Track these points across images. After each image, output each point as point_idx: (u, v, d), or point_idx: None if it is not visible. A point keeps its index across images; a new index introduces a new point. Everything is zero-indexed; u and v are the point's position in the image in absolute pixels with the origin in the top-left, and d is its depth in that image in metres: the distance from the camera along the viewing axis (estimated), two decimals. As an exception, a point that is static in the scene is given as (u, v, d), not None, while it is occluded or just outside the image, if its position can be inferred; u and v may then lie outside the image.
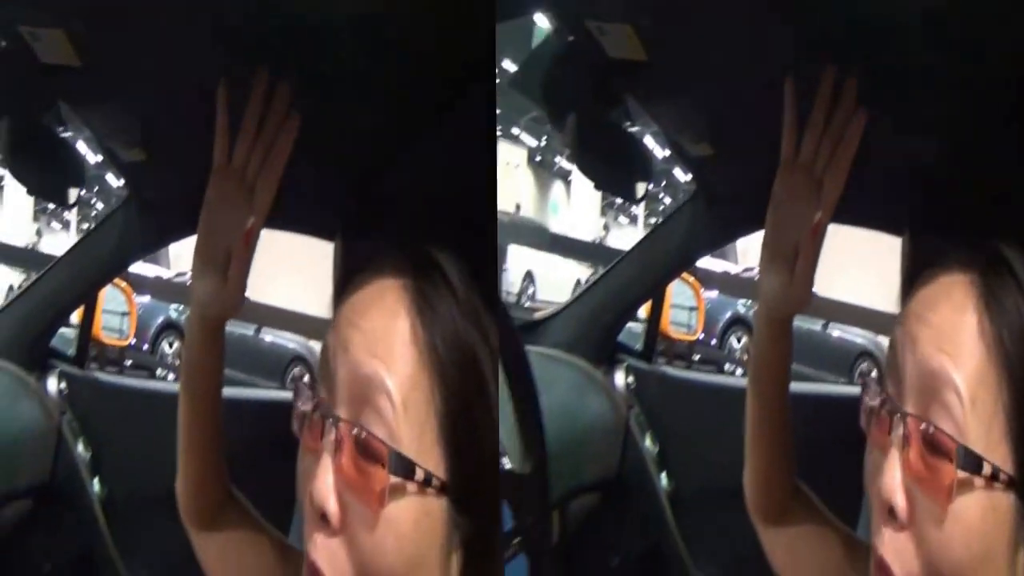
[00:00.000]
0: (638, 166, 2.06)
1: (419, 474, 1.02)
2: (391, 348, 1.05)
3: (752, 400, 1.40)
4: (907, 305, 1.12)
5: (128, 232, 2.14)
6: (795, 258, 1.32)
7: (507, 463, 1.74)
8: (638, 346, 2.34)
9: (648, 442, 2.23)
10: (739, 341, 2.58)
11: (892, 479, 1.08)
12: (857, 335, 2.47)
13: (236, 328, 2.42)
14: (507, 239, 2.23)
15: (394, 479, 1.01)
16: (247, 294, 1.33)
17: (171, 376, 2.52)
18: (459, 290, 1.09)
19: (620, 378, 2.26)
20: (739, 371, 2.55)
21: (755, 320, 1.36)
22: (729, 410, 2.09)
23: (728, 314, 2.60)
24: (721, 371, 2.60)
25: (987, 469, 1.02)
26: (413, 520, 1.03)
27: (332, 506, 1.02)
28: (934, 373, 1.07)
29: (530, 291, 2.30)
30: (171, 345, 2.63)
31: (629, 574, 2.20)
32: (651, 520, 2.20)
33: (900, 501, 1.07)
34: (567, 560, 2.16)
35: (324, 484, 1.03)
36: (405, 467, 1.02)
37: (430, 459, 1.03)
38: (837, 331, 2.52)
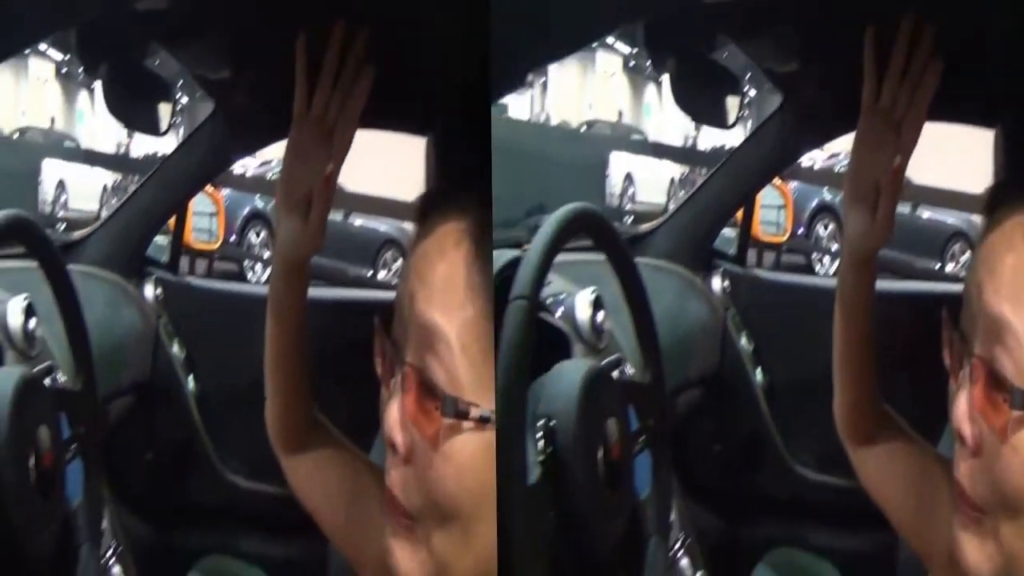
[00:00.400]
0: (729, 93, 2.20)
1: (474, 413, 1.17)
2: (451, 299, 1.20)
3: (839, 330, 1.55)
4: (978, 249, 1.27)
5: (216, 143, 2.28)
6: (876, 198, 1.47)
7: (630, 372, 1.93)
8: (732, 251, 2.44)
9: (744, 341, 2.37)
10: (826, 228, 2.69)
11: (961, 410, 1.25)
12: (949, 215, 2.44)
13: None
14: (610, 147, 2.36)
15: (449, 420, 1.16)
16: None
17: (259, 267, 2.53)
18: None
19: (717, 283, 2.39)
20: (826, 259, 2.66)
21: (840, 258, 1.52)
22: (816, 308, 2.26)
23: (814, 202, 2.69)
24: (808, 260, 2.72)
25: None
26: (470, 454, 1.19)
27: (399, 439, 1.18)
28: (996, 318, 1.22)
29: (630, 192, 2.43)
30: (258, 235, 2.63)
31: (729, 460, 2.31)
32: (748, 412, 2.33)
33: (967, 431, 1.23)
34: (675, 449, 2.28)
35: (392, 419, 1.20)
36: (460, 410, 1.16)
37: (487, 398, 1.19)
38: (928, 212, 2.53)
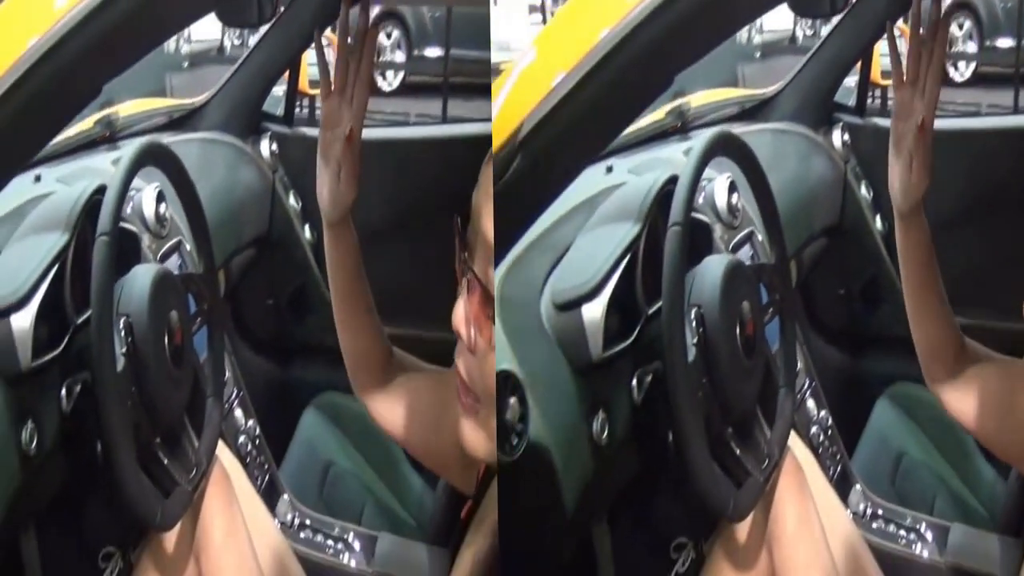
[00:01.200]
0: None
1: None
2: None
3: (905, 283, 1.73)
4: None
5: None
6: (911, 157, 1.66)
7: (762, 256, 2.15)
8: (852, 102, 2.50)
9: (863, 190, 2.46)
10: (961, 28, 2.73)
11: None
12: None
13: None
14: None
15: None
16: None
17: (389, 73, 2.48)
18: None
19: (837, 137, 2.49)
20: (961, 64, 2.57)
21: (894, 217, 1.70)
22: (934, 153, 2.34)
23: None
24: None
25: None
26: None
27: (463, 332, 1.40)
28: None
29: (758, 24, 2.46)
30: (389, 36, 2.80)
31: (852, 301, 2.45)
32: (868, 257, 2.43)
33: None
34: (805, 295, 2.44)
35: (459, 314, 1.41)
36: None
37: None
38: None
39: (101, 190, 2.08)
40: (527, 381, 2.03)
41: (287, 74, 2.52)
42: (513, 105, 1.93)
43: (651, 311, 2.15)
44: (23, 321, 2.01)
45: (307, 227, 2.50)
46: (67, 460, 2.05)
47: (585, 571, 2.20)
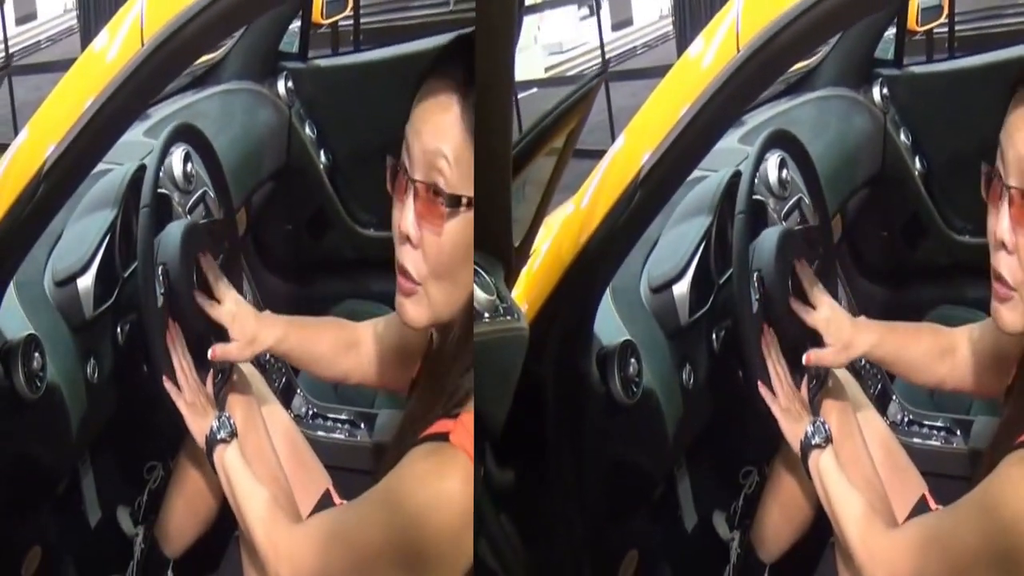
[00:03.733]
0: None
1: (464, 200, 1.69)
2: (446, 130, 1.70)
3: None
4: (1011, 108, 1.73)
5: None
6: None
7: (809, 218, 2.44)
8: (890, 55, 2.71)
9: (903, 136, 2.67)
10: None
11: (1002, 225, 1.76)
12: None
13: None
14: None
15: (449, 209, 1.67)
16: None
17: None
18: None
19: (876, 91, 2.68)
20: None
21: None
22: (965, 89, 2.64)
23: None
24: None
25: None
26: (458, 230, 1.65)
27: (414, 231, 1.68)
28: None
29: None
30: None
31: (896, 241, 2.70)
32: (908, 197, 2.67)
33: (1008, 237, 1.75)
34: (849, 241, 2.69)
35: (407, 220, 1.69)
36: (455, 201, 1.67)
37: (469, 189, 1.67)
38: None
39: (141, 168, 2.39)
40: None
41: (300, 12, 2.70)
42: (606, 184, 2.21)
43: (722, 280, 2.45)
44: (86, 282, 2.37)
45: (322, 152, 2.73)
46: (120, 389, 2.41)
47: (671, 498, 2.53)
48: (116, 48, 2.10)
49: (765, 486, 2.48)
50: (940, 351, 2.21)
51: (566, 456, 2.34)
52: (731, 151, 2.49)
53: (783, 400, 2.22)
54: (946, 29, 2.72)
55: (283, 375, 2.63)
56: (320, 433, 2.59)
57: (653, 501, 2.48)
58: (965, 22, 2.77)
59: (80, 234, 2.42)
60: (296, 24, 2.74)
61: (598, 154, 2.30)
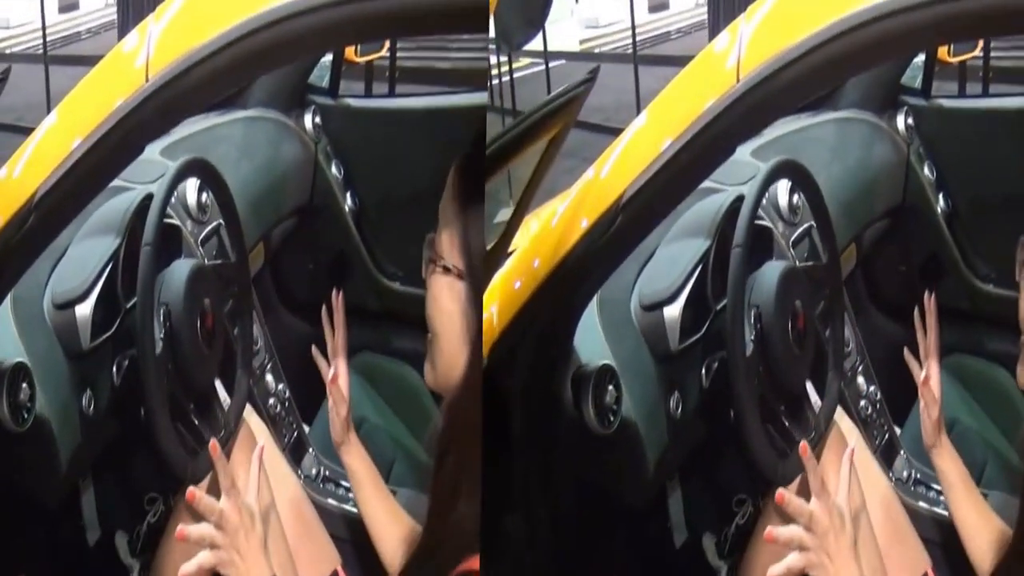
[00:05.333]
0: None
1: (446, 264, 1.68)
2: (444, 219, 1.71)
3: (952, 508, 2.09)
4: None
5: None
6: None
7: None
8: (918, 83, 2.55)
9: (926, 170, 2.53)
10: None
11: None
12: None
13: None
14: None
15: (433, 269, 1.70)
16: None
17: None
18: None
19: (901, 120, 2.54)
20: None
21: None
22: (996, 129, 2.47)
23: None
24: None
25: None
26: (439, 289, 1.69)
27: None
28: None
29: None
30: None
31: (914, 279, 2.54)
32: (929, 234, 2.52)
33: None
34: (865, 275, 2.56)
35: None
36: (432, 259, 1.69)
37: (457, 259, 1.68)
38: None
39: (149, 197, 2.29)
40: (620, 369, 2.27)
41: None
42: (623, 163, 2.07)
43: (718, 307, 2.32)
44: (84, 310, 2.27)
45: (348, 194, 2.61)
46: (118, 421, 2.30)
47: (662, 519, 2.41)
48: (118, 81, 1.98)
49: (757, 523, 2.35)
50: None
51: (533, 480, 2.24)
52: (743, 165, 2.35)
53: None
54: (980, 61, 2.57)
55: (294, 429, 2.51)
56: (331, 501, 2.45)
57: (637, 519, 2.37)
58: (1003, 50, 2.61)
59: (83, 257, 2.33)
60: (328, 57, 2.64)
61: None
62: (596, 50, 8.68)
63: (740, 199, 2.30)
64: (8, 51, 8.56)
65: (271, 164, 2.59)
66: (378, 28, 1.96)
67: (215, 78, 1.95)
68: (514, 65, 7.37)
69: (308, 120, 2.65)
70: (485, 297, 2.05)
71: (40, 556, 2.30)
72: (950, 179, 2.54)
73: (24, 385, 2.20)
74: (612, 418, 2.25)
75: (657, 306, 2.32)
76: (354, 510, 2.34)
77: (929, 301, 2.14)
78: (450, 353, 1.72)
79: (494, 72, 7.54)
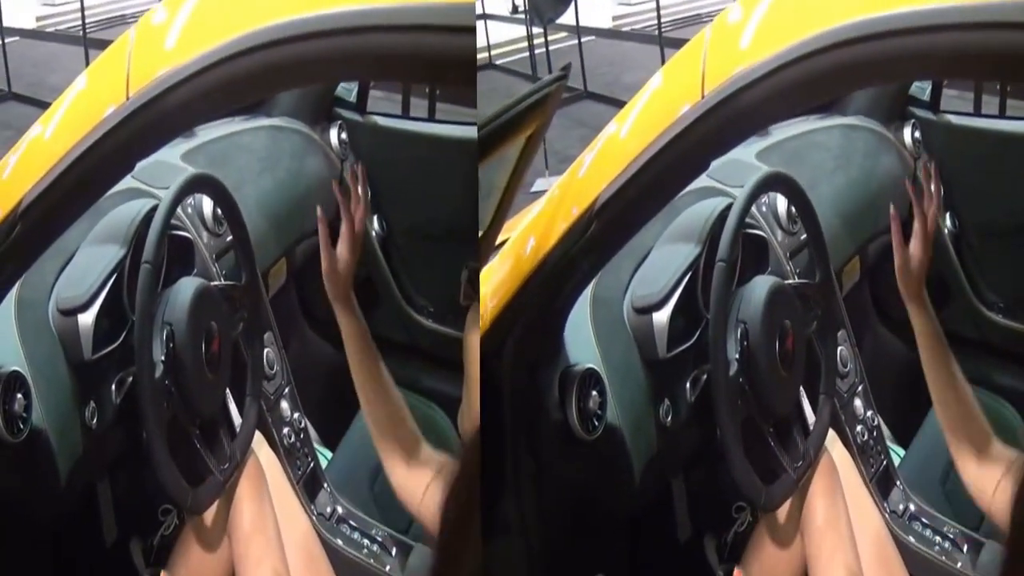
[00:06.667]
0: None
1: None
2: None
3: (925, 369, 1.83)
4: None
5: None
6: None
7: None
8: (926, 96, 2.48)
9: (933, 187, 2.42)
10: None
11: None
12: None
13: None
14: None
15: None
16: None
17: None
18: None
19: (908, 133, 2.48)
20: None
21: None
22: (1008, 151, 2.36)
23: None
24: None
25: None
26: None
27: None
28: None
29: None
30: None
31: None
32: (936, 255, 2.26)
33: None
34: (872, 285, 2.48)
35: None
36: None
37: None
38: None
39: (155, 208, 2.20)
40: (607, 372, 2.18)
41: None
42: (641, 122, 1.92)
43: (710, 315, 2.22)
44: (87, 319, 2.18)
45: (375, 218, 2.51)
46: (125, 433, 2.22)
47: (667, 517, 2.34)
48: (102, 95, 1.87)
49: (750, 539, 2.28)
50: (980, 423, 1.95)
51: (523, 476, 2.16)
52: (745, 166, 2.29)
53: None
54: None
55: (309, 462, 2.38)
56: (340, 543, 2.31)
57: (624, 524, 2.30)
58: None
59: (89, 263, 2.24)
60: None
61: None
62: (626, 28, 8.67)
63: (729, 208, 2.22)
64: (51, 30, 8.54)
65: (295, 179, 2.51)
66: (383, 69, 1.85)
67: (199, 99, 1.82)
68: (549, 38, 7.33)
69: (334, 135, 2.58)
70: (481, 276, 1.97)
71: (42, 567, 2.21)
72: (958, 199, 2.46)
73: (19, 395, 2.08)
74: (596, 423, 2.17)
75: (647, 310, 2.24)
76: (365, 559, 2.28)
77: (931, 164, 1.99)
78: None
79: (524, 45, 7.50)
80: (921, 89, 2.49)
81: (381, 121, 2.53)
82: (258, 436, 2.27)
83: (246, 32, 1.72)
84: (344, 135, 2.56)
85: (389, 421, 1.91)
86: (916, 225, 1.94)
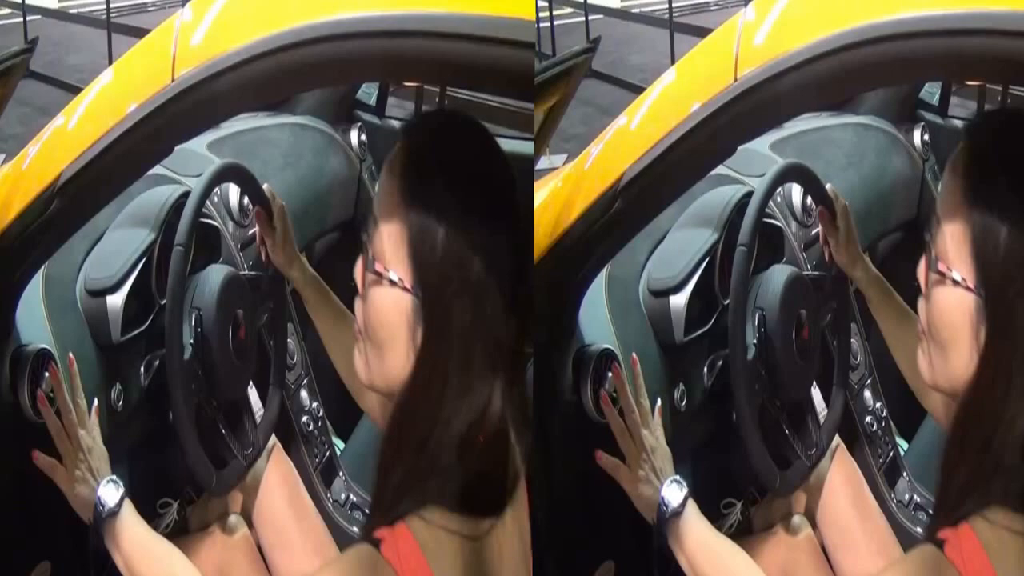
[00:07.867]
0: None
1: (384, 274, 1.50)
2: (384, 209, 1.55)
3: (876, 316, 1.96)
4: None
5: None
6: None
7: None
8: (935, 100, 2.57)
9: (939, 188, 2.57)
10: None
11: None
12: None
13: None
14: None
15: (371, 275, 1.51)
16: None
17: None
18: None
19: (918, 135, 2.56)
20: None
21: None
22: None
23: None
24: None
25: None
26: (380, 299, 1.51)
27: (358, 280, 1.59)
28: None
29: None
30: None
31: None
32: None
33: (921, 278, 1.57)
34: None
35: (356, 269, 1.59)
36: (375, 270, 1.51)
37: (401, 268, 1.51)
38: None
39: (185, 194, 2.24)
40: (623, 354, 2.17)
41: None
42: (651, 119, 1.93)
43: (726, 302, 2.28)
44: (116, 301, 2.19)
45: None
46: (148, 419, 2.24)
47: None
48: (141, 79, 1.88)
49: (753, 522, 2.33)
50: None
51: (536, 458, 2.16)
52: (761, 156, 2.35)
53: (632, 461, 1.90)
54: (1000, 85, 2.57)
55: (326, 449, 2.43)
56: (356, 529, 2.36)
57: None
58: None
59: (118, 245, 2.26)
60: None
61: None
62: (635, 10, 8.72)
63: (748, 195, 2.26)
64: (74, 11, 8.56)
65: (316, 175, 2.57)
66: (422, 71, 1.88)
67: (253, 84, 1.80)
68: (554, 13, 7.34)
69: (354, 136, 2.64)
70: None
71: (62, 545, 2.19)
72: (964, 200, 2.53)
73: (46, 374, 2.05)
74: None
75: (664, 293, 2.26)
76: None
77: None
78: (394, 363, 1.53)
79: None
80: (930, 94, 2.59)
81: (399, 125, 2.64)
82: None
83: (296, 26, 1.75)
84: (363, 136, 2.64)
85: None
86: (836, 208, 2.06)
